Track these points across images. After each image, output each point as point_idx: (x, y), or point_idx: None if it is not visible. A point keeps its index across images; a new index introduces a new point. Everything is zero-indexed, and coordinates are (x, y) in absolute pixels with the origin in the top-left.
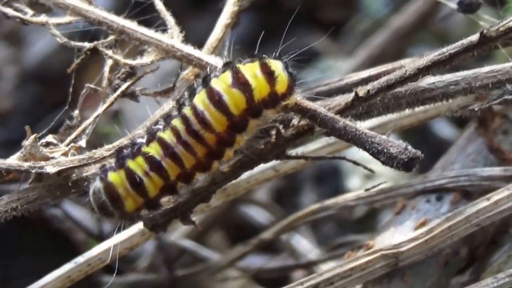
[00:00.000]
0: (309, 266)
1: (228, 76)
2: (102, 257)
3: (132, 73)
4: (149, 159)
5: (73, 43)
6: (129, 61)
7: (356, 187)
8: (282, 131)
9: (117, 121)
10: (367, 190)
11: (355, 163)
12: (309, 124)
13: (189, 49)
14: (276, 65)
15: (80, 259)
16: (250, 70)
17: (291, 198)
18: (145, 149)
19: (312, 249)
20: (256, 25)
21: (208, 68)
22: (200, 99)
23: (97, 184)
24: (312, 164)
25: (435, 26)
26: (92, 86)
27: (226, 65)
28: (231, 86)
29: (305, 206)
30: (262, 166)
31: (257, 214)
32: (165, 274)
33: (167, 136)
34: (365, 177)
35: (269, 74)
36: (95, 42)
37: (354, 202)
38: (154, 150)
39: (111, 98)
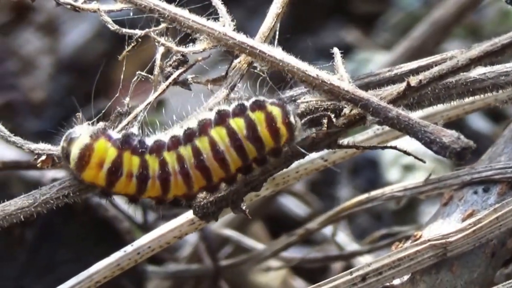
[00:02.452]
0: (352, 257)
1: (242, 124)
2: (151, 246)
3: (184, 61)
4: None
5: (124, 30)
6: (181, 49)
7: (395, 180)
8: (334, 120)
9: (159, 112)
10: (426, 180)
11: (406, 153)
12: (361, 113)
13: (241, 37)
14: (280, 117)
15: (129, 247)
16: (260, 125)
17: (327, 190)
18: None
19: (349, 241)
20: (289, 18)
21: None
22: (219, 134)
23: (83, 138)
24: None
25: (467, 20)
26: (143, 73)
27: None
28: (246, 138)
29: (341, 198)
30: (311, 156)
31: (294, 205)
32: (208, 264)
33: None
34: (404, 169)
35: (275, 131)
36: (147, 30)
37: (401, 193)
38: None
39: (163, 85)
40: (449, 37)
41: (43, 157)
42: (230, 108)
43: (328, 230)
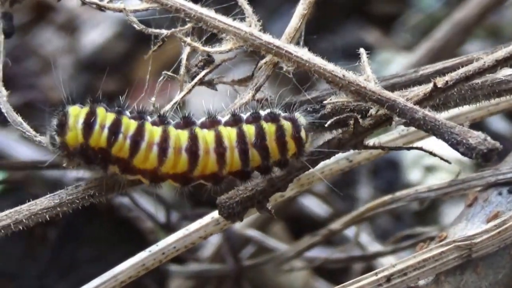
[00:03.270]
0: (374, 258)
1: (252, 132)
2: (176, 246)
3: (210, 61)
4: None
5: (150, 30)
6: (208, 49)
7: (416, 180)
8: (360, 120)
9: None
10: (451, 181)
11: (432, 153)
12: (387, 114)
13: (268, 37)
14: (290, 131)
15: (154, 247)
16: (269, 135)
17: (347, 191)
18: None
19: (370, 241)
20: (309, 17)
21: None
22: (227, 133)
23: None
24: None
25: (487, 22)
26: (169, 73)
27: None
28: (253, 145)
29: (361, 199)
30: (336, 156)
31: (315, 205)
32: (231, 264)
33: (157, 129)
34: (426, 170)
35: (283, 144)
36: (173, 30)
37: (426, 194)
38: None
39: (189, 85)
40: (469, 38)
41: None
42: (244, 115)
43: (349, 231)
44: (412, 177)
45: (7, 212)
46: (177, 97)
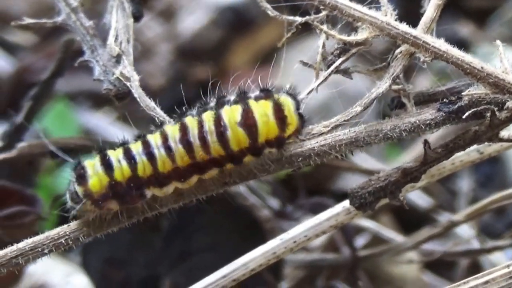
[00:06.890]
0: (492, 252)
1: (238, 111)
2: (308, 234)
3: (346, 50)
4: (126, 150)
5: (284, 17)
6: (344, 37)
7: None
8: (497, 113)
9: None
10: None
11: None
12: None
13: (404, 27)
14: (289, 107)
15: (285, 235)
16: (262, 110)
17: (445, 183)
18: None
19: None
20: (401, 9)
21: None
22: (208, 119)
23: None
24: None
25: None
26: (305, 61)
27: (240, 96)
28: (238, 124)
29: (462, 192)
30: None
31: (416, 197)
32: (346, 254)
33: (153, 137)
34: None
35: (281, 119)
36: (307, 17)
37: None
38: (134, 145)
39: (325, 73)
40: None
41: None
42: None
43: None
44: None
45: None
46: (313, 85)
